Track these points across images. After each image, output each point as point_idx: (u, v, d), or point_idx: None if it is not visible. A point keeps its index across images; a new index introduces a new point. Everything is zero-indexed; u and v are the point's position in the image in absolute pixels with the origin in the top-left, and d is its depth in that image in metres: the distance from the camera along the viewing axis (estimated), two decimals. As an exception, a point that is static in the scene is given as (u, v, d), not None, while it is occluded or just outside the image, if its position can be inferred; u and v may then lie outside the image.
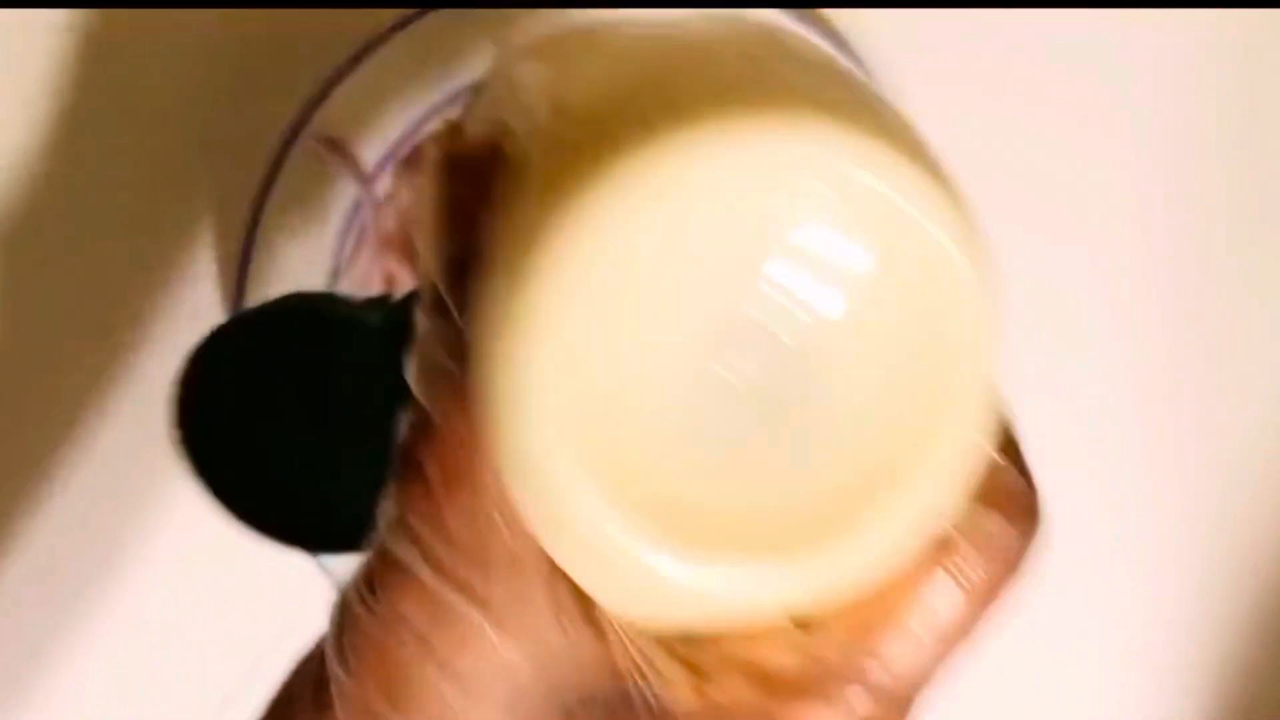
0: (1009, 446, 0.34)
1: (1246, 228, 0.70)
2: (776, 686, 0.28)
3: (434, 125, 0.62)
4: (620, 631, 0.28)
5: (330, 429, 0.44)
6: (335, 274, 0.60)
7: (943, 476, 0.27)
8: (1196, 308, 0.70)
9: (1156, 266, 0.70)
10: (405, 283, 0.62)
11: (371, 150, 0.60)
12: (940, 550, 0.31)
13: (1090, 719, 0.68)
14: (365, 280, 0.62)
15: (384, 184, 0.62)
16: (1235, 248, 0.70)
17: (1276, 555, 0.68)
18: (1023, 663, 0.67)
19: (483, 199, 0.28)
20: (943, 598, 0.32)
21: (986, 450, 0.30)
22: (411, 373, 0.30)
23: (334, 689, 0.33)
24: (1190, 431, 0.69)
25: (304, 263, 0.59)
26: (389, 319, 0.42)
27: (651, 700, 0.27)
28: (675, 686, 0.28)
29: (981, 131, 0.69)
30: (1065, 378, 0.69)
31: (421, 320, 0.30)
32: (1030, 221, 0.69)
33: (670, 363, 0.23)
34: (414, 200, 0.62)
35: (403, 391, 0.29)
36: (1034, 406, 0.69)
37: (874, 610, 0.29)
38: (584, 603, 0.28)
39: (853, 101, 0.27)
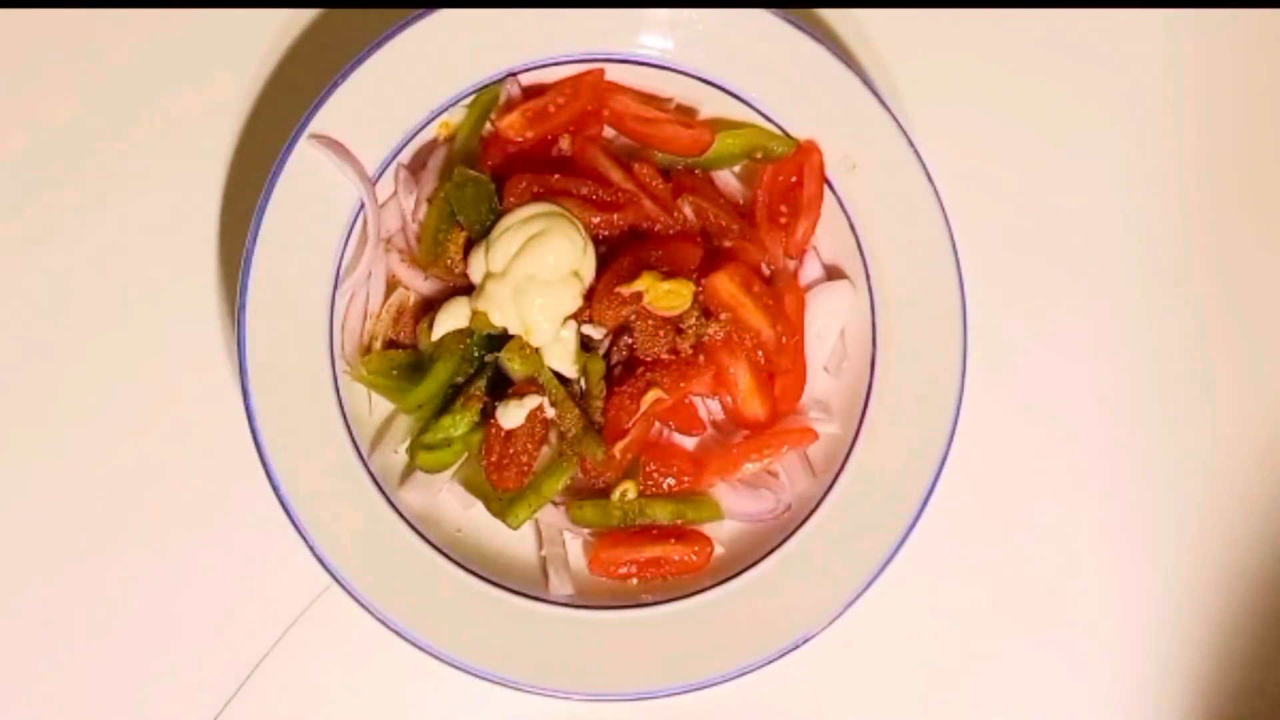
0: None
1: (1246, 229, 0.71)
2: None
3: (434, 128, 0.62)
4: None
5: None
6: (337, 273, 0.60)
7: None
8: (1195, 307, 0.70)
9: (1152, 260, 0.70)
10: (407, 282, 0.62)
11: (373, 151, 0.60)
12: None
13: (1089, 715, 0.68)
14: (367, 279, 0.62)
15: (385, 185, 0.62)
16: (1234, 248, 0.70)
17: (1276, 555, 0.69)
18: (1019, 663, 0.68)
19: None
20: None
21: None
22: None
23: None
24: (1189, 431, 0.69)
25: (308, 262, 0.59)
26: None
27: None
28: None
29: (979, 130, 0.69)
30: (1065, 375, 0.69)
31: None
32: (1027, 211, 0.70)
33: None
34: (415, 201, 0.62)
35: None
36: (1033, 405, 0.69)
37: None
38: None
39: None
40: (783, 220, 0.64)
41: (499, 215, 0.60)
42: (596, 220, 0.60)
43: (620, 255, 0.60)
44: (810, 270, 0.65)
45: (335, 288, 0.60)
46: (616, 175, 0.61)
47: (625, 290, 0.59)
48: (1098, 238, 0.69)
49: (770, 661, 0.59)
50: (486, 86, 0.61)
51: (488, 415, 0.60)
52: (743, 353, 0.62)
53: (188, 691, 0.63)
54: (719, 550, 0.63)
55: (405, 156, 0.62)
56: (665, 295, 0.59)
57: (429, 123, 0.61)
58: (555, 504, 0.62)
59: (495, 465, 0.60)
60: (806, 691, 0.66)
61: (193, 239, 0.65)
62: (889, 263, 0.62)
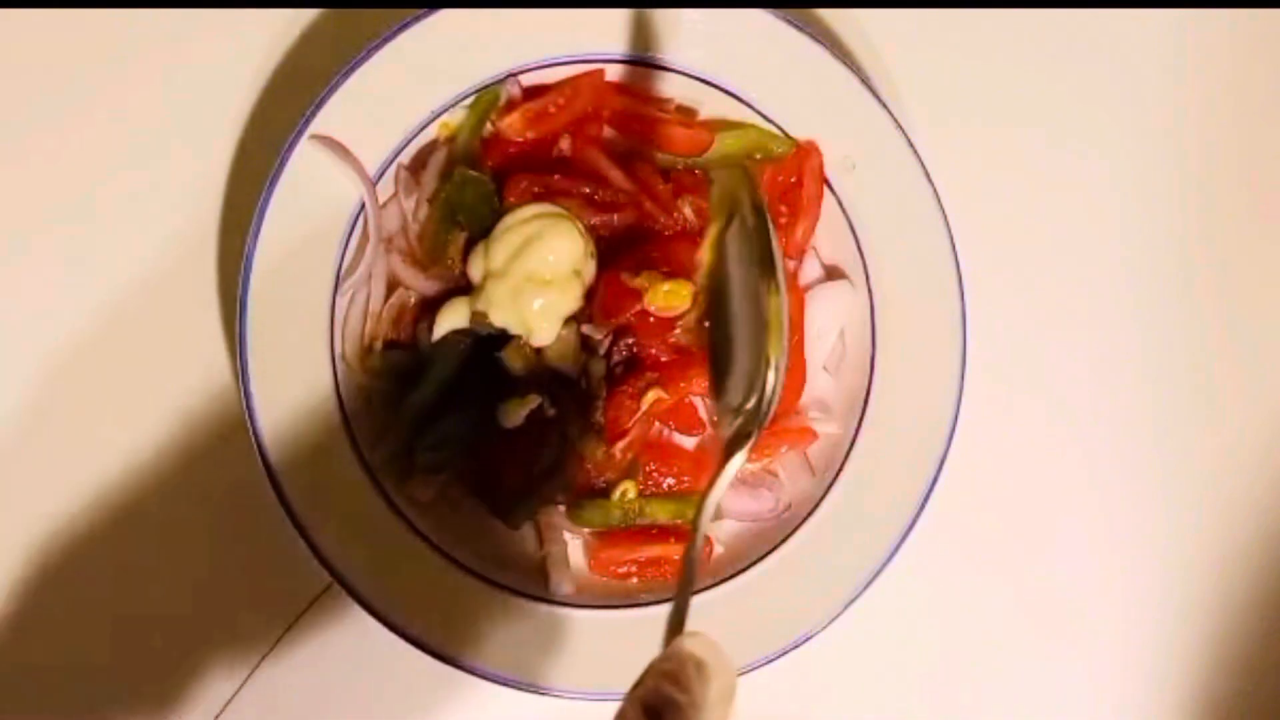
0: None
1: (1247, 228, 0.71)
2: None
3: (435, 128, 0.62)
4: None
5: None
6: (338, 273, 0.60)
7: None
8: (1196, 307, 0.70)
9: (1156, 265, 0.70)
10: (407, 282, 0.62)
11: (373, 152, 0.60)
12: None
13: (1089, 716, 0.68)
14: (368, 280, 0.62)
15: (386, 185, 0.62)
16: (1234, 247, 0.70)
17: (1275, 554, 0.69)
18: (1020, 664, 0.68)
19: None
20: None
21: None
22: None
23: None
24: (1191, 431, 0.69)
25: (308, 262, 0.59)
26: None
27: None
28: None
29: (979, 130, 0.69)
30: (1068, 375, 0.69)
31: None
32: (1027, 211, 0.70)
33: None
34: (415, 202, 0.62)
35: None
36: (1033, 406, 0.69)
37: None
38: None
39: None
40: (783, 220, 0.64)
41: (499, 215, 0.60)
42: (596, 220, 0.60)
43: (620, 255, 0.60)
44: (810, 270, 0.65)
45: (335, 288, 0.60)
46: (616, 175, 0.61)
47: (625, 289, 0.59)
48: (1098, 237, 0.69)
49: (770, 661, 0.59)
50: (487, 87, 0.61)
51: (489, 416, 0.60)
52: (743, 353, 0.62)
53: (188, 691, 0.63)
54: (719, 550, 0.63)
55: (405, 157, 0.62)
56: (665, 295, 0.59)
57: (429, 123, 0.61)
58: (555, 504, 0.62)
59: (496, 465, 0.60)
60: (806, 691, 0.66)
61: (193, 239, 0.65)
62: (889, 263, 0.62)
